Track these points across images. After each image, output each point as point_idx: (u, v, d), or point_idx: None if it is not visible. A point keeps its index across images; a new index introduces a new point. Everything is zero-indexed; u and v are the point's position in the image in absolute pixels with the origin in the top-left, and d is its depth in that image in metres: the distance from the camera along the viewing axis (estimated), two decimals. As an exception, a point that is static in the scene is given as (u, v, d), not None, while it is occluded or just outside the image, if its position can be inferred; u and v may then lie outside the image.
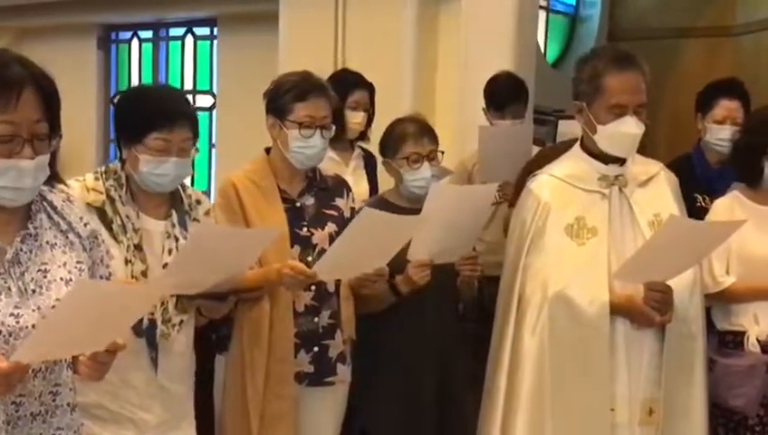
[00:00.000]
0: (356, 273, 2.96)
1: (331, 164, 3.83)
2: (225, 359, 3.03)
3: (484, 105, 4.45)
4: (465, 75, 5.09)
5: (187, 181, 2.98)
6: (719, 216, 3.30)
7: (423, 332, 3.20)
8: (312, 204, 3.09)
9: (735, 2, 7.27)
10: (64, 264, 1.99)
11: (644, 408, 2.93)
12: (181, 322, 2.62)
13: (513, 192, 3.74)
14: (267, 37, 5.94)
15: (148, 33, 7.78)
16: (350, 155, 4.27)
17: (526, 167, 3.68)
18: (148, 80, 7.52)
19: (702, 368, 3.03)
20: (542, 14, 7.20)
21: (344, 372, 3.11)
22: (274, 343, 2.94)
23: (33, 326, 1.87)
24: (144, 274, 2.54)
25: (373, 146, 3.95)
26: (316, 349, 3.03)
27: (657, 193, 3.05)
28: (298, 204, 3.06)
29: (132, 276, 2.50)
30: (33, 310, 1.91)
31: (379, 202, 3.29)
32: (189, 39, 7.59)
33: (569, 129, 4.58)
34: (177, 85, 7.44)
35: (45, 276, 1.95)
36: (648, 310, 2.89)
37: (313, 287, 2.98)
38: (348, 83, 4.20)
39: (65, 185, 2.15)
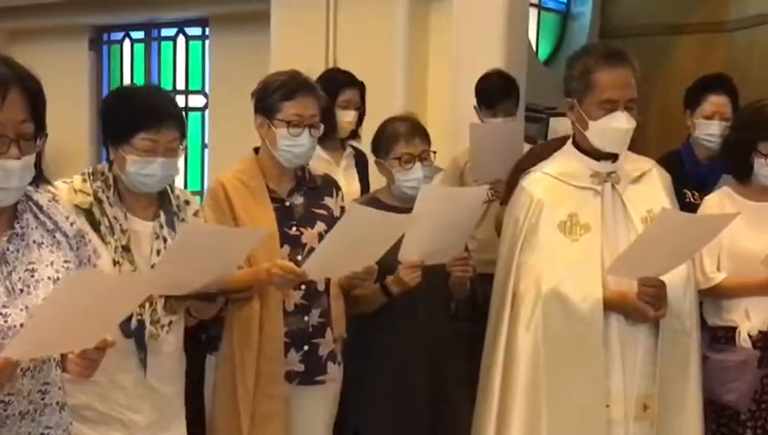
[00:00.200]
0: (345, 271, 2.96)
1: (322, 163, 3.83)
2: (216, 359, 3.03)
3: (475, 103, 4.45)
4: (457, 73, 5.09)
5: (179, 182, 2.97)
6: (710, 211, 3.29)
7: (414, 332, 3.19)
8: (302, 203, 3.08)
9: (729, -3, 7.27)
10: (51, 263, 1.99)
11: (639, 403, 2.93)
12: (170, 322, 2.61)
13: (504, 190, 3.74)
14: (259, 37, 5.93)
15: (139, 34, 7.75)
16: (341, 154, 4.26)
17: (518, 164, 3.67)
18: (140, 80, 7.49)
19: (696, 363, 3.03)
20: (534, 12, 7.18)
21: (335, 370, 3.11)
22: (264, 343, 2.93)
23: (21, 326, 1.86)
24: (132, 275, 2.53)
25: (364, 145, 3.94)
26: (306, 348, 3.02)
27: (650, 190, 3.05)
28: (287, 203, 3.05)
29: (121, 277, 2.50)
30: (21, 309, 1.90)
31: (371, 201, 3.28)
32: (181, 39, 7.56)
33: (560, 126, 4.58)
34: (170, 86, 7.44)
35: (33, 276, 1.95)
36: (641, 305, 2.89)
37: (303, 286, 2.97)
38: (338, 82, 4.20)
39: (51, 185, 2.14)
